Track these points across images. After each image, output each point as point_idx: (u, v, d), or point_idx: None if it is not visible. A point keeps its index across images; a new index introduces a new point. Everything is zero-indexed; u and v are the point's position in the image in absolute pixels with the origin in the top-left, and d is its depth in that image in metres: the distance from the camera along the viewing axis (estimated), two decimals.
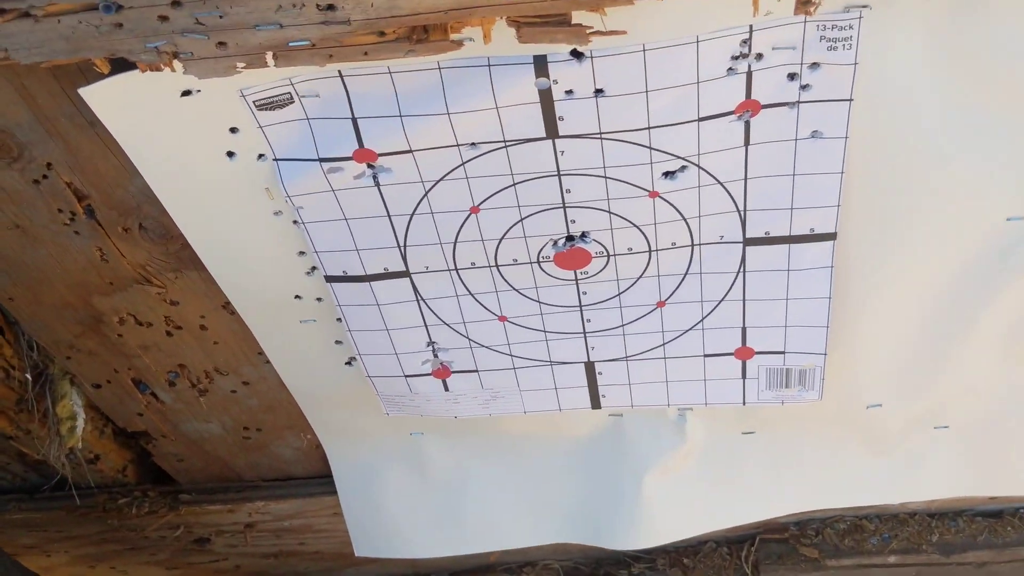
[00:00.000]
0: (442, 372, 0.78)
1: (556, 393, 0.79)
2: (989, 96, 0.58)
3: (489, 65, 0.56)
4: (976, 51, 0.56)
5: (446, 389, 0.80)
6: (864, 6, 0.54)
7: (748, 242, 0.67)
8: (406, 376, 0.79)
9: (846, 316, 0.73)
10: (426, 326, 0.74)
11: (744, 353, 0.75)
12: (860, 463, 0.90)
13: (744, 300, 0.71)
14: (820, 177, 0.63)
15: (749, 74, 0.57)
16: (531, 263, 0.69)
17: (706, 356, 0.75)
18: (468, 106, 0.58)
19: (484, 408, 0.81)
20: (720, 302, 0.71)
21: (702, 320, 0.73)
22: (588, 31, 0.51)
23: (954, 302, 0.72)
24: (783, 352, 0.74)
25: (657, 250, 0.68)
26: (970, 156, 0.62)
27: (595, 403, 0.80)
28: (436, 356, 0.77)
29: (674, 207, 0.65)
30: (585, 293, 0.71)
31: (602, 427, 0.86)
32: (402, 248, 0.68)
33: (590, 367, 0.77)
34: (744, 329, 0.73)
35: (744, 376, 0.76)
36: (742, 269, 0.69)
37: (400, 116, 0.59)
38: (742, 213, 0.65)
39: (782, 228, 0.66)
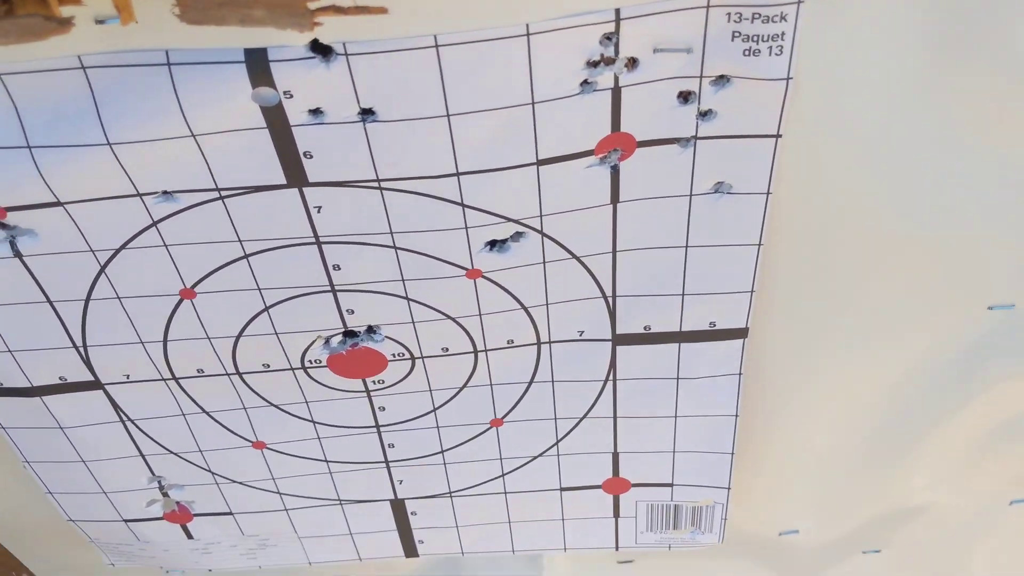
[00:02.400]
0: (179, 516, 0.53)
1: (352, 539, 0.56)
2: (989, 136, 0.38)
3: (168, 64, 0.32)
4: (976, 72, 0.36)
5: (189, 537, 0.55)
6: None
7: (619, 340, 0.45)
8: (126, 521, 0.54)
9: (755, 431, 0.52)
10: (143, 456, 0.49)
11: (616, 486, 0.53)
12: None
13: (615, 417, 0.49)
14: (726, 251, 0.41)
15: (616, 92, 0.35)
16: (292, 369, 0.45)
17: (563, 490, 0.53)
18: (143, 132, 0.34)
19: (250, 559, 0.56)
20: (581, 420, 0.49)
21: (556, 443, 0.50)
22: (312, 6, 0.27)
23: (907, 410, 0.53)
24: (670, 485, 0.52)
25: (487, 350, 0.45)
26: (950, 225, 0.41)
27: (409, 551, 0.56)
28: (166, 495, 0.52)
29: (507, 291, 0.42)
30: (383, 409, 0.48)
31: (436, 563, 0.64)
32: (82, 349, 0.43)
33: (399, 506, 0.54)
34: (616, 455, 0.51)
35: (617, 515, 0.55)
36: (611, 376, 0.47)
37: (29, 147, 0.35)
38: (610, 300, 0.43)
39: (669, 322, 0.44)
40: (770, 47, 0.33)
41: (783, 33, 0.33)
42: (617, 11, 0.32)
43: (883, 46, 0.34)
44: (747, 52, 0.34)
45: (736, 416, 0.48)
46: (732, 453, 0.50)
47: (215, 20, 0.27)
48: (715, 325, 0.44)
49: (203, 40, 0.31)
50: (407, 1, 0.28)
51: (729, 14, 0.33)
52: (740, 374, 0.46)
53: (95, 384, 0.45)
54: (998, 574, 0.67)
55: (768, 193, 0.38)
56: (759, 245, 0.40)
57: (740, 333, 0.44)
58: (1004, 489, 0.60)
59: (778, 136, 0.36)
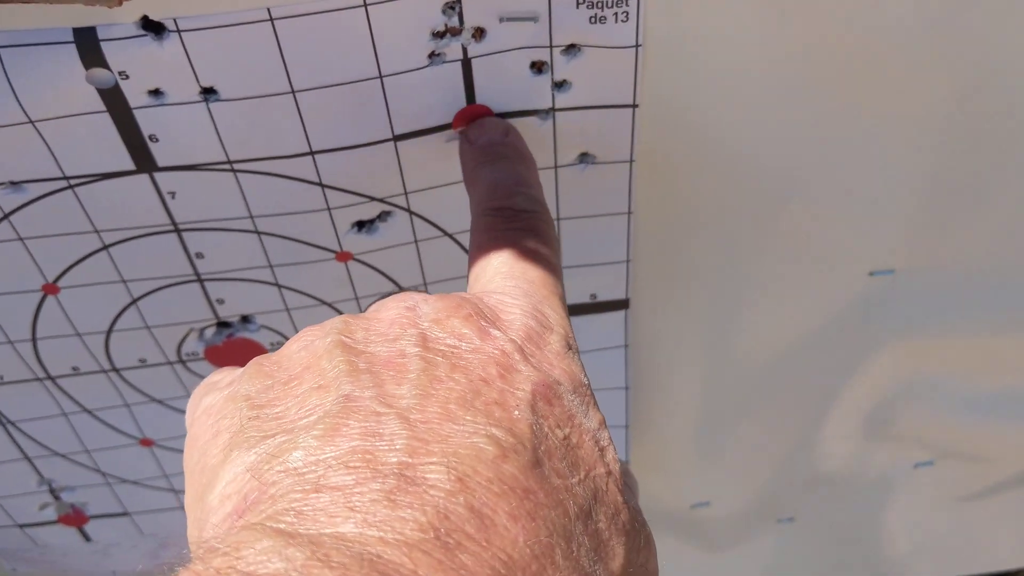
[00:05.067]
0: (74, 518, 0.52)
1: None
2: (860, 99, 0.38)
3: None
4: (843, 37, 0.36)
5: (87, 539, 0.54)
6: None
7: None
8: (21, 526, 0.52)
9: (651, 403, 0.52)
10: (28, 459, 0.48)
11: None
12: (695, 563, 0.72)
13: None
14: (599, 220, 0.41)
15: (467, 63, 0.35)
16: (171, 363, 0.44)
17: None
18: None
19: (152, 559, 0.55)
20: None
21: None
22: None
23: (799, 378, 0.53)
24: None
25: None
26: (826, 191, 0.42)
27: None
28: (59, 498, 0.51)
29: (382, 273, 0.42)
30: None
31: None
32: None
33: None
34: None
35: None
36: None
37: None
38: None
39: None
40: (615, 13, 0.33)
41: None
42: None
43: (736, 7, 0.35)
44: (593, 19, 0.33)
45: (627, 389, 0.48)
46: (627, 426, 0.50)
47: None
48: (596, 297, 0.44)
49: (26, 19, 0.30)
50: None
51: None
52: (626, 345, 0.46)
53: None
54: (910, 536, 0.68)
55: (632, 161, 0.38)
56: (629, 213, 0.40)
57: (622, 304, 0.44)
58: (908, 453, 0.60)
59: (635, 106, 0.36)
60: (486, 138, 0.35)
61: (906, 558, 0.72)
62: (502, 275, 0.29)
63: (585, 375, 0.27)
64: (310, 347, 0.25)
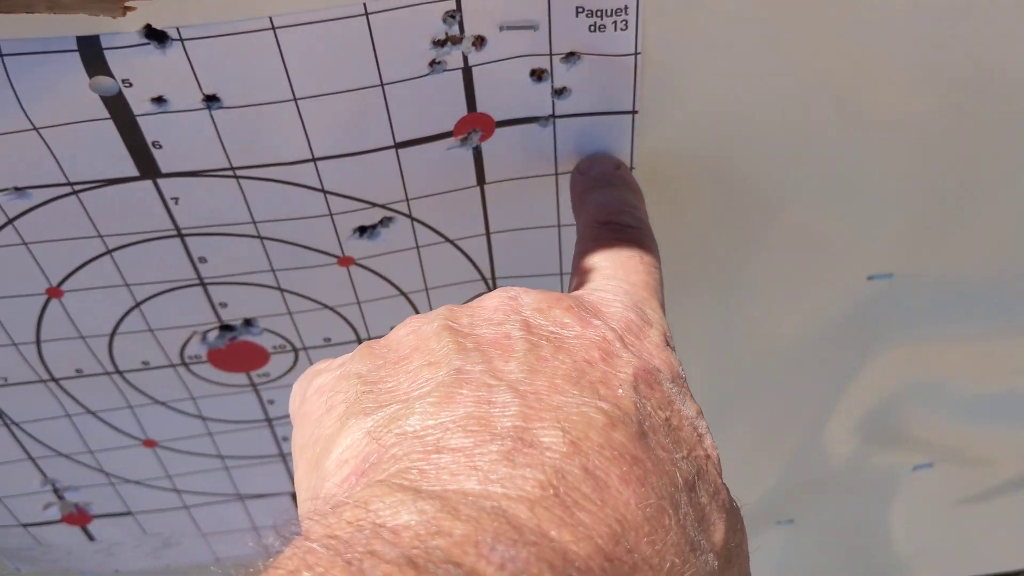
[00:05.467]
0: (78, 517, 0.52)
1: (258, 533, 0.55)
2: (856, 103, 0.38)
3: (1, 55, 0.32)
4: (840, 48, 0.36)
5: (91, 539, 0.54)
6: None
7: None
8: (25, 525, 0.53)
9: None
10: (32, 459, 0.49)
11: None
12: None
13: None
14: None
15: (468, 71, 0.35)
16: (173, 365, 0.45)
17: None
18: None
19: (154, 559, 0.56)
20: None
21: None
22: None
23: (799, 380, 0.53)
24: None
25: (370, 338, 0.45)
26: (824, 196, 0.42)
27: None
28: (62, 498, 0.51)
29: (383, 278, 0.42)
30: (272, 402, 0.47)
31: None
32: None
33: None
34: None
35: None
36: None
37: None
38: (490, 283, 0.43)
39: None
40: (615, 22, 0.34)
41: (626, 7, 0.33)
42: None
43: (734, 16, 0.35)
44: (593, 28, 0.34)
45: None
46: None
47: (23, 6, 0.26)
48: None
49: (31, 28, 0.30)
50: None
51: None
52: None
53: None
54: (909, 539, 0.68)
55: (631, 168, 0.38)
56: None
57: None
58: (907, 456, 0.61)
59: (634, 112, 0.36)
60: (597, 169, 0.37)
61: (906, 560, 0.72)
62: (605, 276, 0.30)
63: (682, 368, 0.28)
64: (418, 331, 0.26)
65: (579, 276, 0.32)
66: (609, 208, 0.34)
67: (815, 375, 0.52)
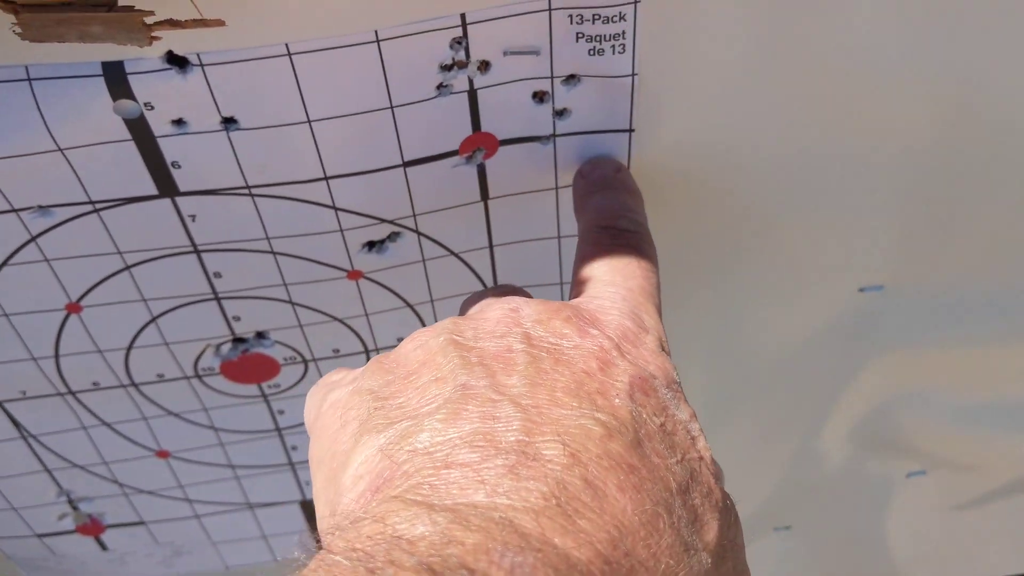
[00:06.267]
0: (92, 528, 0.54)
1: (267, 542, 0.57)
2: (845, 120, 0.40)
3: (29, 79, 0.33)
4: (823, 66, 0.38)
5: (104, 548, 0.55)
6: None
7: None
8: (39, 536, 0.54)
9: None
10: (48, 471, 0.50)
11: None
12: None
13: None
14: None
15: (473, 94, 0.36)
16: (187, 378, 0.46)
17: None
18: (9, 147, 0.35)
19: (166, 567, 0.57)
20: None
21: None
22: (148, 20, 0.28)
23: (792, 390, 0.55)
24: None
25: (377, 349, 0.46)
26: (815, 208, 0.44)
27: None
28: (76, 508, 0.53)
29: (390, 291, 0.44)
30: (282, 412, 0.49)
31: None
32: None
33: (309, 506, 0.55)
34: None
35: None
36: None
37: None
38: None
39: None
40: (613, 46, 0.35)
41: (623, 32, 0.35)
42: (463, 16, 0.34)
43: (727, 38, 0.36)
44: (592, 52, 0.35)
45: None
46: None
47: (55, 37, 0.28)
48: None
49: (60, 55, 0.32)
50: (247, 13, 0.29)
51: (571, 16, 0.34)
52: None
53: None
54: (904, 545, 0.69)
55: None
56: None
57: None
58: (900, 463, 0.62)
59: (631, 130, 0.38)
60: (598, 173, 0.38)
61: (901, 566, 0.73)
62: (603, 283, 0.31)
63: (677, 374, 0.29)
64: (425, 346, 0.28)
65: (579, 282, 0.33)
66: (608, 212, 0.35)
67: (808, 384, 0.53)
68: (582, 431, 0.24)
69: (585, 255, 0.33)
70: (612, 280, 0.31)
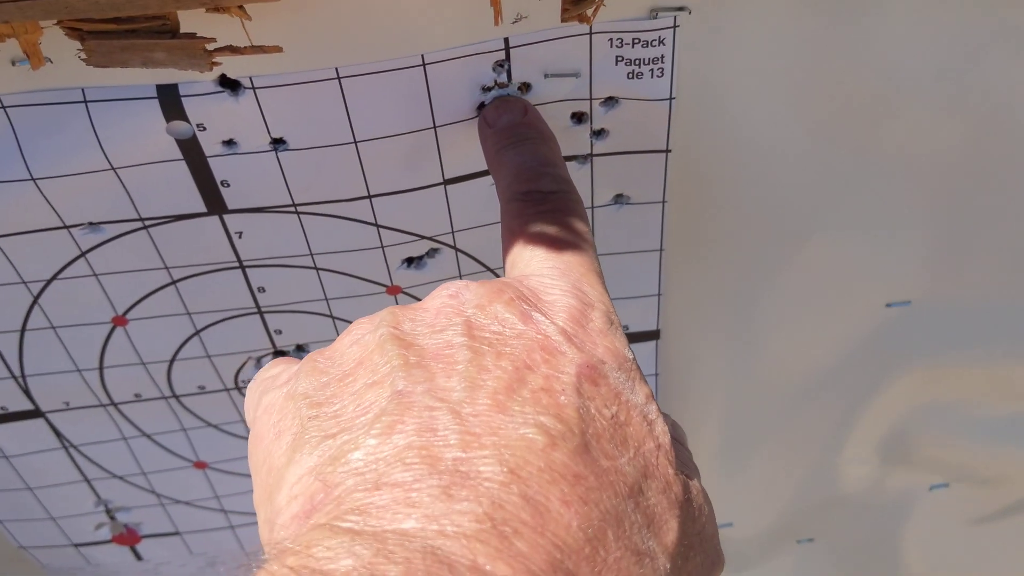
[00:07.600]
0: (128, 538, 0.55)
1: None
2: (874, 138, 0.41)
3: (85, 101, 0.34)
4: (859, 92, 0.39)
5: (139, 558, 0.56)
6: (680, 8, 0.36)
7: None
8: (76, 546, 0.55)
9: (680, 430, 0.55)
10: (87, 481, 0.51)
11: None
12: None
13: None
14: (632, 257, 0.44)
15: None
16: (227, 390, 0.47)
17: None
18: (65, 166, 0.36)
19: None
20: None
21: None
22: (209, 47, 0.30)
23: (820, 404, 0.55)
24: None
25: None
26: (843, 226, 0.44)
27: None
28: (114, 518, 0.53)
29: None
30: None
31: None
32: (21, 379, 0.45)
33: None
34: None
35: None
36: None
37: None
38: None
39: None
40: (651, 70, 0.36)
41: (662, 56, 0.36)
42: (506, 40, 0.35)
43: (760, 60, 0.37)
44: (631, 75, 0.36)
45: None
46: None
47: (119, 63, 0.29)
48: (629, 328, 0.46)
49: (117, 78, 0.33)
50: (303, 39, 0.30)
51: (611, 40, 0.35)
52: (656, 374, 0.49)
53: (36, 413, 0.46)
54: (926, 558, 0.70)
55: (664, 202, 0.41)
56: (660, 251, 0.43)
57: (653, 335, 0.47)
58: (923, 476, 0.63)
59: (667, 151, 0.39)
60: (506, 119, 0.35)
61: None
62: (539, 258, 0.29)
63: (629, 350, 0.27)
64: (361, 342, 0.26)
65: (512, 258, 0.30)
66: (527, 173, 0.33)
67: (834, 397, 0.54)
68: (523, 442, 0.22)
69: (512, 229, 0.31)
70: (547, 254, 0.29)
